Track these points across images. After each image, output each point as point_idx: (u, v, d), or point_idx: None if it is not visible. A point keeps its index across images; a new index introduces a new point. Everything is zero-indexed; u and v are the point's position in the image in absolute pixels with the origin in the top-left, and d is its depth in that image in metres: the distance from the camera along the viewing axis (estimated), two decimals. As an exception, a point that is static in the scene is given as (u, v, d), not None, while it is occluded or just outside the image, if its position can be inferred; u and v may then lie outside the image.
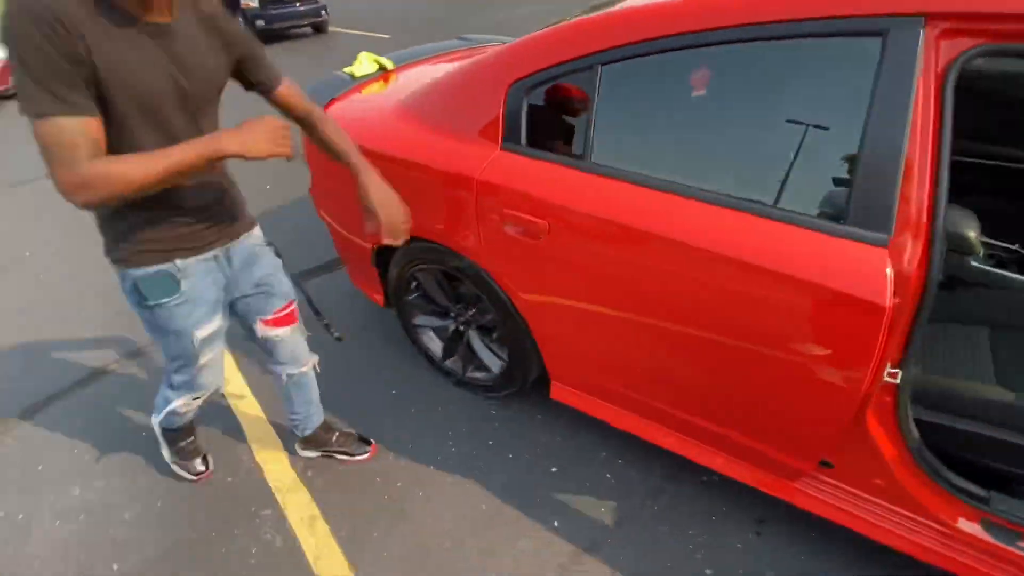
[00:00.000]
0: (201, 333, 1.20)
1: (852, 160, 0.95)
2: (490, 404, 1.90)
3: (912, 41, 0.88)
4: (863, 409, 1.08)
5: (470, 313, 1.80)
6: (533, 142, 1.34)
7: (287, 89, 1.19)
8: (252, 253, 1.28)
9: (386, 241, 1.23)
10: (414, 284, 1.85)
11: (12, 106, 6.57)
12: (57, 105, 0.80)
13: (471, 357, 1.89)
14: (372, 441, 1.76)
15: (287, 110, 1.21)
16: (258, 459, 1.76)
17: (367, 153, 1.23)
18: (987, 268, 1.51)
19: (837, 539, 1.34)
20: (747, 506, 1.49)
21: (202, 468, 1.69)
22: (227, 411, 1.95)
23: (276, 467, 1.73)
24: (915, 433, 1.12)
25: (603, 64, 1.20)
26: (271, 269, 1.33)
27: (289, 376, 1.51)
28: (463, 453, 1.74)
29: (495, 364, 1.82)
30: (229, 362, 2.19)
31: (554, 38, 1.31)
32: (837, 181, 0.98)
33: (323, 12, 10.27)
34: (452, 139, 1.45)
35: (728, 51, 1.07)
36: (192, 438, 1.66)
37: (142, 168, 0.87)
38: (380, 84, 1.99)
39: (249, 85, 1.17)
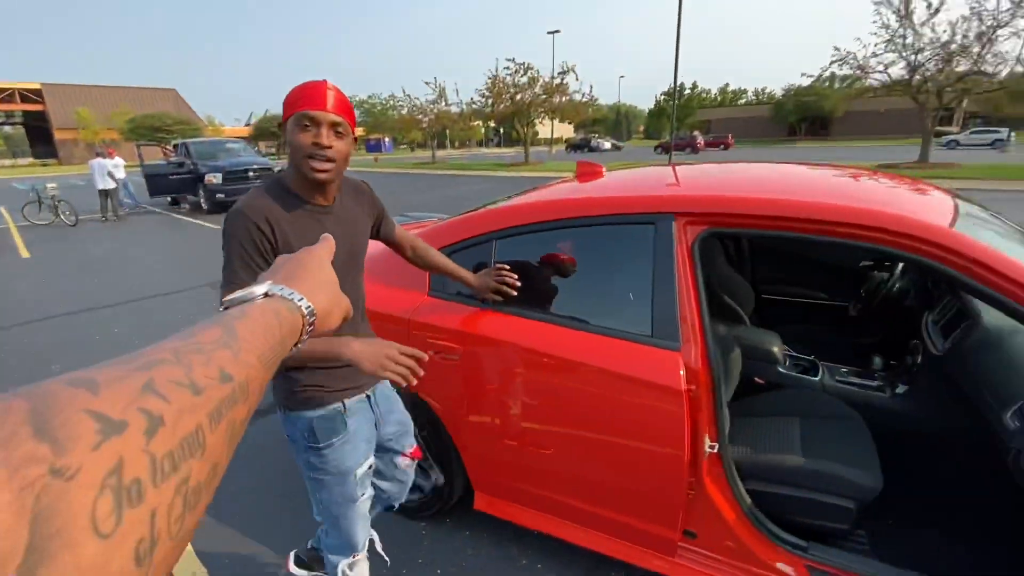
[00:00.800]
0: (360, 470, 1.33)
1: (650, 297, 1.47)
2: (421, 524, 2.05)
3: (669, 227, 1.47)
4: (700, 479, 1.44)
5: (404, 435, 2.06)
6: (450, 291, 1.82)
7: (398, 232, 1.50)
8: (388, 396, 1.47)
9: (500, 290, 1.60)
10: (355, 413, 2.12)
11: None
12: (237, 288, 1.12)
13: (405, 479, 2.09)
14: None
15: (397, 247, 1.52)
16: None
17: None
18: (790, 372, 2.04)
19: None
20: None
21: None
22: None
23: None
24: (747, 498, 1.47)
25: (497, 239, 1.75)
26: (404, 410, 1.54)
27: (389, 507, 1.70)
28: (395, 573, 1.84)
29: (427, 484, 2.03)
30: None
31: (467, 221, 1.88)
32: (644, 310, 1.48)
33: None
34: (393, 289, 1.90)
35: (575, 231, 1.65)
36: None
37: None
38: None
39: (377, 236, 1.45)
